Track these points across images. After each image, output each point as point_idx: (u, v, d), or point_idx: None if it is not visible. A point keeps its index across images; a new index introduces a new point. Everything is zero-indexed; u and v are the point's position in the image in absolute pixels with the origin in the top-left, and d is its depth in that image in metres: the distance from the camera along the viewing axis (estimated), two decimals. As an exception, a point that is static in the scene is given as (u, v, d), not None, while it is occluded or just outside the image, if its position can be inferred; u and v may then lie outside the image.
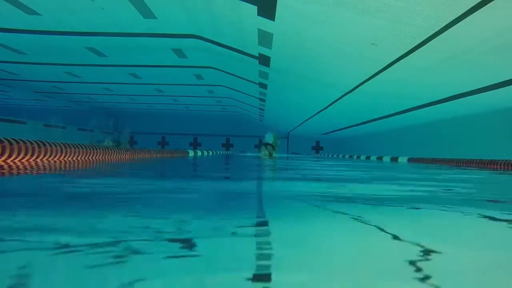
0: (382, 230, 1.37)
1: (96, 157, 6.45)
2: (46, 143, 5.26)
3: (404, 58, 6.33)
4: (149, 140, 25.98)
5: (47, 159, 5.20)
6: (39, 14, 7.58)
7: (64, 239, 1.11)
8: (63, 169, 4.32)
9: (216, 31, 8.10)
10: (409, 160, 12.25)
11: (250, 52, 8.69)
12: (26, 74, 13.64)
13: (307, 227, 1.45)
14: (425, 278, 0.85)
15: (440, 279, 0.85)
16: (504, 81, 6.68)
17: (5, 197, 2.14)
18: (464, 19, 4.44)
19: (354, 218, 1.61)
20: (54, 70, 12.85)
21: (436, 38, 5.15)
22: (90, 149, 6.34)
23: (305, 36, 6.50)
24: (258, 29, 6.84)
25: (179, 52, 10.35)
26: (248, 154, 19.69)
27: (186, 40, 9.13)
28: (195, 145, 27.12)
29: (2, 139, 4.56)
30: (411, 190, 3.10)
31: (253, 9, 5.95)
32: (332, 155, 22.44)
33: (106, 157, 6.86)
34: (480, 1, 4.00)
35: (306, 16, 5.54)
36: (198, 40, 9.03)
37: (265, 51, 8.21)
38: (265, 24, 6.44)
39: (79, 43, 9.51)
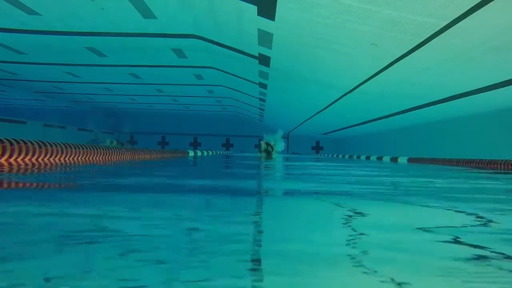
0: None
1: (97, 158, 6.45)
2: (47, 143, 5.26)
3: (404, 58, 6.33)
4: (149, 140, 26.00)
5: (47, 159, 5.20)
6: (39, 14, 7.59)
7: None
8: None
9: (216, 31, 8.10)
10: (409, 160, 12.25)
11: (250, 52, 8.69)
12: (26, 74, 13.64)
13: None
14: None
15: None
16: (504, 81, 6.69)
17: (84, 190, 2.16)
18: (464, 19, 4.44)
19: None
20: (54, 70, 12.86)
21: (436, 38, 5.15)
22: (90, 149, 6.34)
23: (305, 36, 6.50)
24: (258, 29, 6.84)
25: (179, 52, 10.35)
26: (247, 154, 19.64)
27: (186, 40, 9.14)
28: (195, 145, 27.13)
29: (3, 139, 4.57)
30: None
31: (253, 9, 5.95)
32: (332, 155, 22.44)
33: (106, 157, 6.86)
34: (480, 1, 4.00)
35: (306, 16, 5.54)
36: (198, 40, 9.03)
37: (265, 51, 8.21)
38: (265, 24, 6.44)
39: (79, 43, 9.51)
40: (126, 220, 1.52)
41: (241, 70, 11.18)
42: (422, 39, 5.33)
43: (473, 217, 1.76)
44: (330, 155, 22.83)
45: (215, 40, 8.76)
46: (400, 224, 1.61)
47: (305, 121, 18.55)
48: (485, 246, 1.18)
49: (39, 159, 5.07)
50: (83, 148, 6.10)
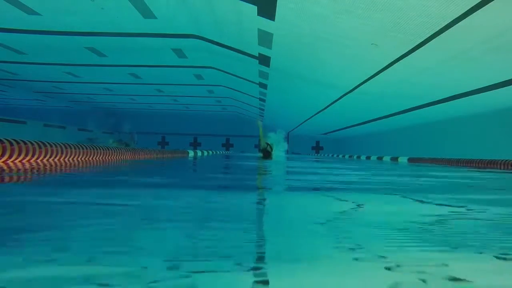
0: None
1: (96, 158, 6.44)
2: (47, 144, 5.26)
3: (404, 58, 6.33)
4: (149, 140, 25.98)
5: (47, 160, 5.20)
6: (39, 14, 7.58)
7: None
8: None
9: (216, 31, 8.10)
10: (409, 160, 12.25)
11: (250, 52, 8.69)
12: (26, 74, 13.65)
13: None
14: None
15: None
16: (504, 81, 6.69)
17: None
18: (464, 19, 4.44)
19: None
20: (54, 70, 12.86)
21: (436, 38, 5.15)
22: (90, 149, 6.33)
23: (305, 36, 6.50)
24: (258, 29, 6.84)
25: (179, 52, 10.35)
26: (247, 154, 19.64)
27: (186, 40, 9.13)
28: (195, 145, 27.13)
29: (3, 139, 4.56)
30: None
31: (253, 9, 5.95)
32: (332, 155, 22.44)
33: (106, 157, 6.85)
34: (480, 1, 4.00)
35: (306, 16, 5.54)
36: (198, 40, 9.03)
37: (265, 51, 8.20)
38: (265, 24, 6.44)
39: (79, 43, 9.51)
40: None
41: (241, 70, 11.18)
42: (422, 39, 5.33)
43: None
44: (330, 155, 22.82)
45: (215, 40, 8.76)
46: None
47: (305, 121, 18.55)
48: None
49: (38, 160, 5.07)
50: (83, 149, 6.09)
